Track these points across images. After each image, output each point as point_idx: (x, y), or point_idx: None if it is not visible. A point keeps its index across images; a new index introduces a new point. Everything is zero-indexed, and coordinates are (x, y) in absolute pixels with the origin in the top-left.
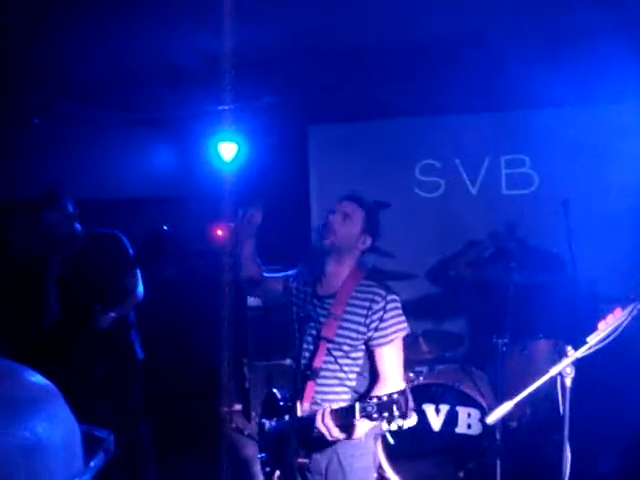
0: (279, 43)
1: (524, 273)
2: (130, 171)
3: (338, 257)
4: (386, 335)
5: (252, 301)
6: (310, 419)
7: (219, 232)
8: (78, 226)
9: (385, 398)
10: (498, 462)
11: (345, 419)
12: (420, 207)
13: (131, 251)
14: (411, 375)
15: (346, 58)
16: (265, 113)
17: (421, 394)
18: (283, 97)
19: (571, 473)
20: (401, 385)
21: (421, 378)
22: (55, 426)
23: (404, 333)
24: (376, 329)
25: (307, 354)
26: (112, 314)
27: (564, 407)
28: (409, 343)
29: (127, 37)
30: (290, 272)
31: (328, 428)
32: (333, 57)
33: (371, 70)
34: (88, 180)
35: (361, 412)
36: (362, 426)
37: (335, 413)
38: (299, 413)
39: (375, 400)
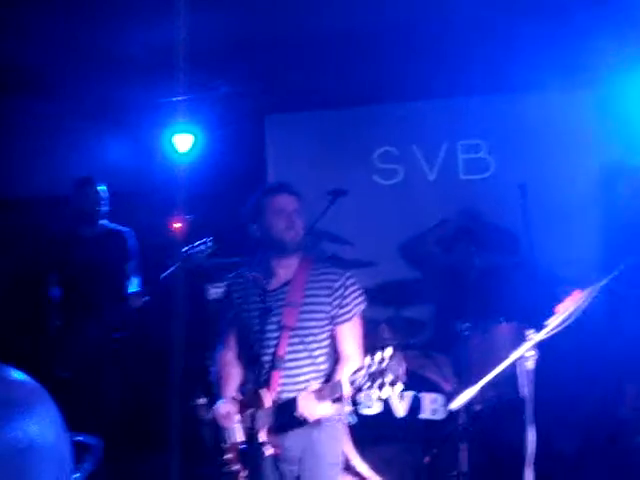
0: (234, 32)
1: (484, 257)
2: (81, 165)
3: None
4: (350, 310)
5: (213, 293)
6: (283, 407)
7: (176, 225)
8: (105, 209)
9: (374, 367)
10: (463, 446)
11: (332, 394)
12: (379, 194)
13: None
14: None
15: (301, 47)
16: (221, 103)
17: None
18: (239, 87)
19: (535, 454)
20: (360, 361)
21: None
22: (46, 427)
23: (363, 307)
24: (340, 306)
25: (268, 345)
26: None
27: (528, 390)
28: (371, 330)
29: (75, 26)
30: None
31: (312, 410)
32: (288, 46)
33: (326, 58)
34: (39, 176)
35: (351, 384)
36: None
37: (318, 392)
38: (266, 404)
39: (363, 371)
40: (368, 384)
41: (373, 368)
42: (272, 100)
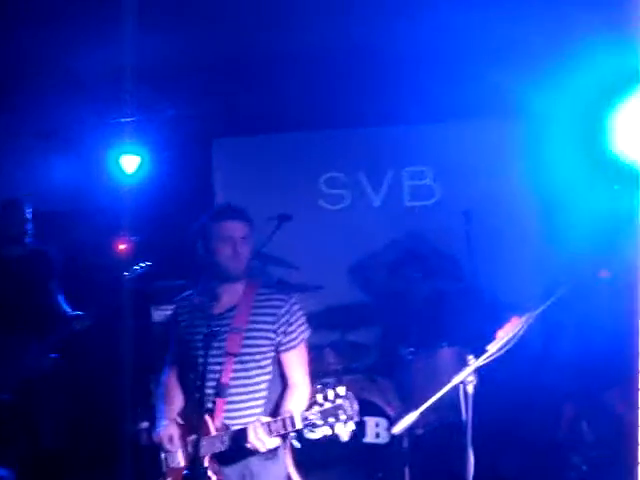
0: (182, 55)
1: (428, 283)
2: (27, 184)
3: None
4: (295, 338)
5: (158, 316)
6: (232, 437)
7: (121, 246)
8: (29, 228)
9: (328, 405)
10: (406, 470)
11: (284, 429)
12: (325, 219)
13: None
14: (318, 387)
15: (250, 71)
16: (169, 125)
17: None
18: (187, 110)
19: (475, 476)
20: (307, 389)
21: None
22: None
23: (308, 333)
24: (285, 333)
25: (212, 371)
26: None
27: (466, 413)
28: (316, 355)
29: (22, 45)
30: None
31: (263, 442)
32: (237, 70)
33: (275, 83)
34: None
35: (303, 420)
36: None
37: (269, 425)
38: (212, 432)
39: (317, 407)
40: (321, 422)
41: (327, 406)
42: (220, 123)
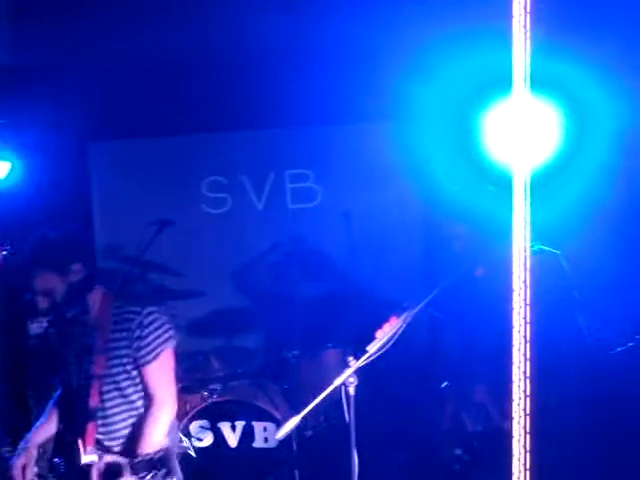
0: (56, 56)
1: (311, 284)
2: None
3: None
4: (149, 352)
5: (34, 328)
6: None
7: None
8: None
9: (153, 456)
10: (297, 472)
11: (115, 474)
12: (207, 223)
13: None
14: (205, 394)
15: (127, 73)
16: (42, 129)
17: (216, 412)
18: (61, 113)
19: (360, 476)
20: (169, 405)
21: (215, 396)
22: None
23: (170, 345)
24: (138, 348)
25: (82, 394)
26: None
27: (349, 415)
28: (201, 362)
29: None
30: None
31: None
32: (114, 72)
33: (153, 85)
34: None
35: (131, 469)
36: None
37: (106, 467)
38: (82, 458)
39: (141, 458)
40: (144, 472)
41: (151, 456)
42: (97, 127)
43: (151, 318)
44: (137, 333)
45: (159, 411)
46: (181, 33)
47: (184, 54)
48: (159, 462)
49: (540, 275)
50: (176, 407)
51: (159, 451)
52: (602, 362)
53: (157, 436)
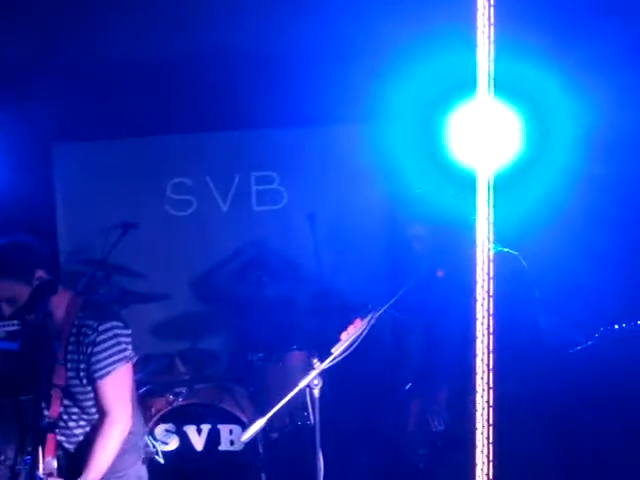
0: (21, 55)
1: (276, 287)
2: None
3: None
4: (101, 368)
5: (2, 333)
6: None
7: None
8: None
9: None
10: (263, 475)
11: None
12: (171, 226)
13: None
14: (170, 397)
15: (92, 73)
16: (3, 129)
17: (182, 415)
18: (22, 113)
19: (326, 477)
20: (124, 421)
21: (180, 399)
22: None
23: (124, 362)
24: (89, 363)
25: (44, 403)
26: None
27: (314, 417)
28: (165, 364)
29: None
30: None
31: None
32: (78, 71)
33: (118, 86)
34: None
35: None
36: None
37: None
38: (40, 470)
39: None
40: None
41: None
42: (59, 127)
43: (104, 336)
44: (90, 349)
45: (110, 428)
46: (146, 35)
47: (149, 56)
48: None
49: (500, 276)
50: (129, 425)
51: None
52: (562, 360)
53: (106, 455)
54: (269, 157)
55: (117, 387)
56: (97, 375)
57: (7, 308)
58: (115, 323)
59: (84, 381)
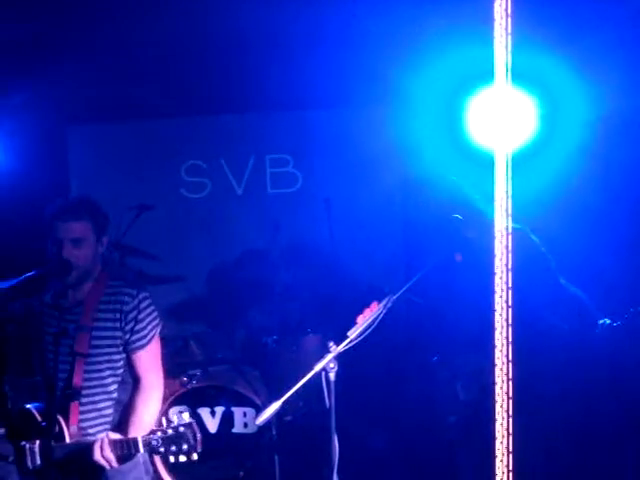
0: (31, 36)
1: (290, 270)
2: None
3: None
4: (145, 336)
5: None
6: (82, 447)
7: None
8: None
9: (171, 431)
10: (276, 457)
11: (127, 451)
12: (186, 208)
13: None
14: (184, 379)
15: (107, 56)
16: (18, 110)
17: (196, 398)
18: (36, 95)
19: (341, 460)
20: (159, 391)
21: (194, 382)
22: None
23: (159, 330)
24: (132, 331)
25: (64, 372)
26: None
27: (329, 400)
28: (180, 347)
29: None
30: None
31: (109, 460)
32: (93, 54)
33: (133, 69)
34: None
35: (145, 446)
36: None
37: (115, 444)
38: (67, 438)
39: (160, 434)
40: (162, 449)
41: (169, 432)
42: (75, 111)
43: (145, 304)
44: (132, 315)
45: (149, 395)
46: (161, 17)
47: (164, 38)
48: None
49: (515, 251)
50: (162, 392)
51: (179, 426)
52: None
53: (150, 415)
54: (284, 140)
55: (155, 355)
56: (140, 343)
57: (73, 250)
58: (148, 293)
59: (115, 349)
